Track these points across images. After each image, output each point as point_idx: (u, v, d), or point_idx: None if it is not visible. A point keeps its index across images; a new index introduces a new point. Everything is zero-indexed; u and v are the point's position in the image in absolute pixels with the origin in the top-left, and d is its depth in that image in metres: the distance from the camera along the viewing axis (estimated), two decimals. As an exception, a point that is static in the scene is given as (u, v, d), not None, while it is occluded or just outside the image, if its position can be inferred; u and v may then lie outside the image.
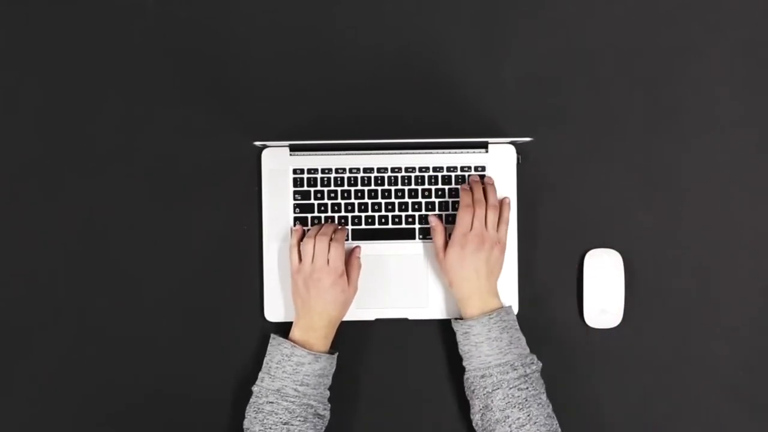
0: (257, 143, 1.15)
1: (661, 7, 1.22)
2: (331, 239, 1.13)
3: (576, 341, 1.21)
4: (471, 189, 1.16)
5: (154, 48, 1.22)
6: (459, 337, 1.13)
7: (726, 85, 1.22)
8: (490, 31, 1.22)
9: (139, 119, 1.21)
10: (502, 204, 1.17)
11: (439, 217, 1.18)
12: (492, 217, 1.14)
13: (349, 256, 1.17)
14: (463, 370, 1.13)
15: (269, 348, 1.13)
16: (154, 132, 1.21)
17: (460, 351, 1.13)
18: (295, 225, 1.19)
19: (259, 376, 1.12)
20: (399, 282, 1.20)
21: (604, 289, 1.20)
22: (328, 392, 1.13)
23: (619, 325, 1.20)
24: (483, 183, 1.18)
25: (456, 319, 1.15)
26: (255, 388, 1.11)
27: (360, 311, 1.19)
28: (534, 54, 1.22)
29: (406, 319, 1.20)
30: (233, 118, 1.21)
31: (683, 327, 1.21)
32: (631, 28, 1.22)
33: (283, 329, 1.17)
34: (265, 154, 1.20)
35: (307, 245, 1.13)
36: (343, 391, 1.18)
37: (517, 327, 1.13)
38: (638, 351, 1.21)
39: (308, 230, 1.16)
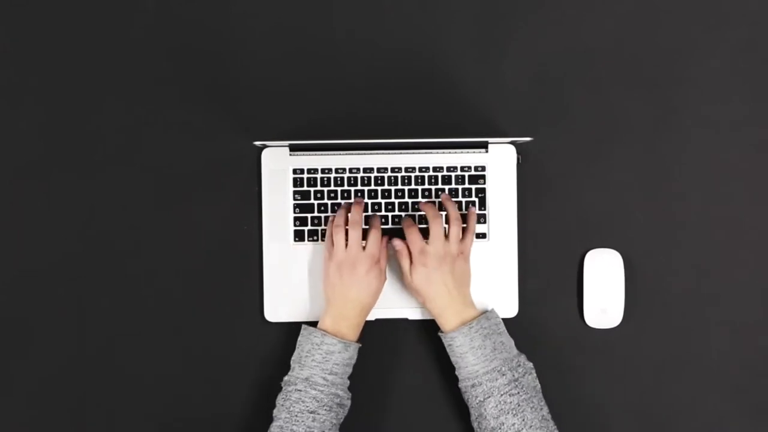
0: (257, 143, 1.15)
1: (661, 7, 1.22)
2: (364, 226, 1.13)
3: (576, 341, 1.21)
4: (422, 209, 1.16)
5: (155, 48, 1.22)
6: (447, 349, 1.13)
7: (726, 85, 1.22)
8: (490, 31, 1.22)
9: (139, 119, 1.21)
10: (468, 214, 1.17)
11: (403, 242, 1.16)
12: (455, 230, 1.14)
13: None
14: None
15: (299, 339, 1.12)
16: (154, 132, 1.21)
17: (452, 361, 1.13)
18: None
19: (291, 366, 1.12)
20: (399, 282, 1.19)
21: (604, 289, 1.20)
22: (348, 381, 1.13)
23: (619, 325, 1.20)
24: (442, 199, 1.18)
25: (440, 331, 1.15)
26: (285, 378, 1.11)
27: (360, 311, 1.19)
28: (534, 54, 1.22)
29: (406, 319, 1.20)
30: (233, 118, 1.21)
31: (683, 327, 1.21)
32: (631, 28, 1.22)
33: (283, 329, 1.17)
34: (265, 154, 1.20)
35: (339, 233, 1.13)
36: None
37: (501, 330, 1.12)
38: (638, 351, 1.21)
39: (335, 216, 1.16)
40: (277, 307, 1.20)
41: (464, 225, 1.16)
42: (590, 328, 1.21)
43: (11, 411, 1.20)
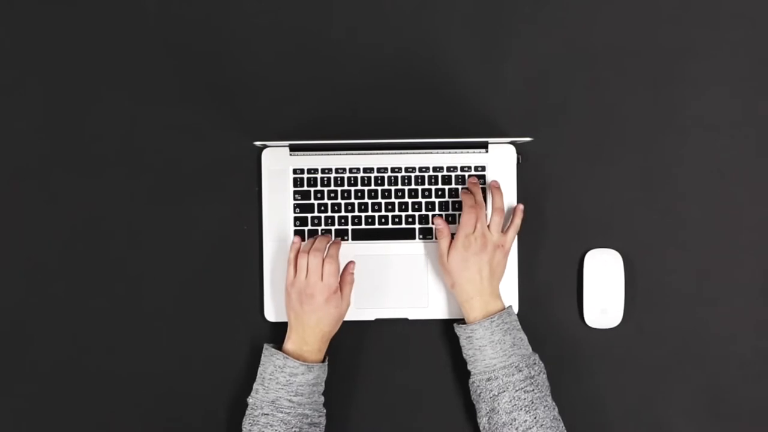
0: (257, 143, 1.15)
1: (661, 7, 1.22)
2: (324, 256, 1.12)
3: (576, 341, 1.21)
4: (471, 191, 1.16)
5: (155, 48, 1.22)
6: (462, 342, 1.13)
7: (726, 85, 1.22)
8: (491, 31, 1.22)
9: (139, 119, 1.21)
10: (515, 210, 1.17)
11: (444, 219, 1.17)
12: (497, 220, 1.14)
13: (343, 271, 1.16)
14: (467, 373, 1.13)
15: (262, 358, 1.12)
16: (154, 132, 1.21)
17: (464, 355, 1.13)
18: (295, 232, 1.19)
19: (253, 387, 1.11)
20: (399, 282, 1.20)
21: (604, 289, 1.20)
22: (322, 398, 1.12)
23: (619, 325, 1.20)
24: (486, 185, 1.18)
25: (457, 324, 1.15)
26: (250, 400, 1.11)
27: (360, 311, 1.19)
28: (534, 54, 1.22)
29: (406, 319, 1.20)
30: (233, 118, 1.21)
31: (683, 327, 1.21)
32: (631, 28, 1.22)
33: (283, 329, 1.17)
34: (265, 154, 1.20)
35: (302, 260, 1.12)
36: (343, 391, 1.18)
37: (519, 327, 1.13)
38: (638, 351, 1.21)
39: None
40: (277, 307, 1.20)
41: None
42: (590, 328, 1.21)
43: (11, 411, 1.20)
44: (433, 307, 1.20)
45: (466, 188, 1.18)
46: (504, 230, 1.15)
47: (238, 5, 1.22)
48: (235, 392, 1.20)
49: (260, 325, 1.20)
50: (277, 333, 1.19)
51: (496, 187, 1.17)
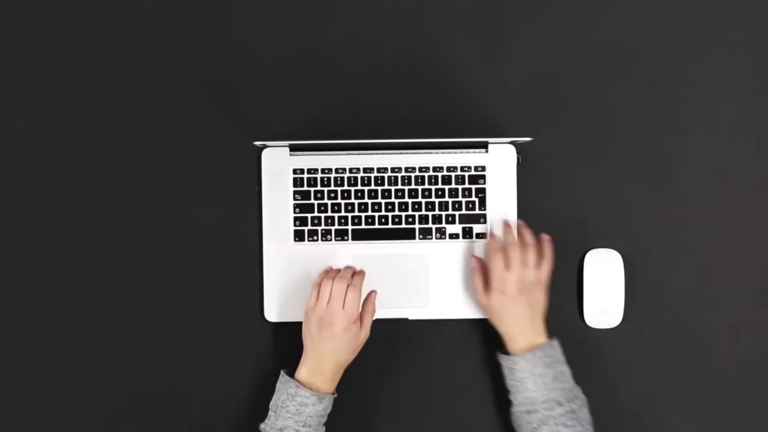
0: (257, 143, 1.15)
1: (661, 7, 1.22)
2: (349, 284, 1.12)
3: (576, 341, 1.21)
4: (503, 233, 1.17)
5: (155, 48, 1.22)
6: (504, 371, 1.13)
7: (726, 85, 1.22)
8: (491, 31, 1.22)
9: (139, 119, 1.21)
10: (542, 241, 1.17)
11: (479, 259, 1.17)
12: (531, 256, 1.14)
13: (365, 300, 1.16)
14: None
15: (278, 385, 1.12)
16: (154, 132, 1.21)
17: (506, 384, 1.13)
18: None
19: (268, 413, 1.11)
20: (399, 282, 1.20)
21: (604, 289, 1.20)
22: (324, 427, 1.12)
23: (619, 325, 1.20)
24: (518, 226, 1.18)
25: (499, 352, 1.14)
26: (262, 425, 1.11)
27: (360, 311, 1.19)
28: (534, 54, 1.22)
29: (406, 319, 1.20)
30: (233, 118, 1.21)
31: (683, 327, 1.21)
32: (631, 28, 1.22)
33: (282, 329, 1.17)
34: (265, 154, 1.20)
35: (326, 286, 1.12)
36: (343, 391, 1.18)
37: (562, 360, 1.12)
38: (638, 351, 1.21)
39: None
40: (277, 307, 1.20)
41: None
42: (590, 328, 1.21)
43: (11, 411, 1.20)
44: (433, 307, 1.20)
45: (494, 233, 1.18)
46: (539, 265, 1.15)
47: (238, 5, 1.22)
48: (235, 392, 1.20)
49: (260, 326, 1.20)
50: (277, 333, 1.19)
51: (524, 225, 1.18)
